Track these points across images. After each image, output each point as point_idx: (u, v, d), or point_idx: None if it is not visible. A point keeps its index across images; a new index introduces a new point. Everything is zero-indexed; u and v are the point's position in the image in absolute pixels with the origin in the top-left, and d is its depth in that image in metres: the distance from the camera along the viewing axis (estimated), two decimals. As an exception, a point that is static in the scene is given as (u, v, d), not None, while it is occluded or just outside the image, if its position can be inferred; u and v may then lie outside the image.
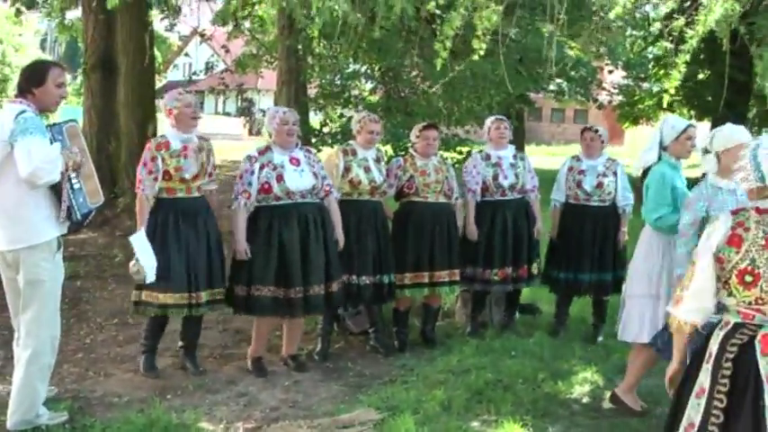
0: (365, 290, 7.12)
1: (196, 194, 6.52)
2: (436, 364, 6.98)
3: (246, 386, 6.43)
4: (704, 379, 3.55)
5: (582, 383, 6.72)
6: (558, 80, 20.38)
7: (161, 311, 6.43)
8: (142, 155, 6.46)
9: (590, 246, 7.91)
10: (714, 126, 28.76)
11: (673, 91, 7.72)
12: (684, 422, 3.59)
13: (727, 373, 3.47)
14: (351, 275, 7.02)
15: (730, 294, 3.55)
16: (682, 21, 7.00)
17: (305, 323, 7.28)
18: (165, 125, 6.78)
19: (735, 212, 3.60)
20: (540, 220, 8.05)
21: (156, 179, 6.34)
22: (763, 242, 3.46)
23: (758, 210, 3.54)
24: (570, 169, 8.05)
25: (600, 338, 7.95)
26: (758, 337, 3.45)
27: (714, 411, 3.47)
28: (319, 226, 6.65)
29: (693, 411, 3.56)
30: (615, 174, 8.00)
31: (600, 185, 7.90)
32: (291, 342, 7.00)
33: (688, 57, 6.83)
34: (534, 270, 8.05)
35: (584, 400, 6.43)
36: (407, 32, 10.97)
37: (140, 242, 6.16)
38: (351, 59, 13.48)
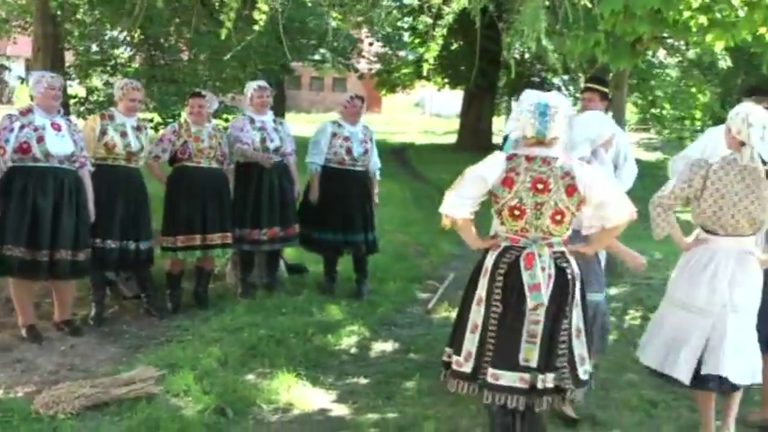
0: (110, 254, 7.12)
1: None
2: (211, 323, 7.22)
3: (22, 352, 6.40)
4: (481, 290, 4.40)
5: (349, 335, 7.18)
6: (321, 50, 20.79)
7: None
8: None
9: (354, 208, 8.35)
10: (467, 92, 30.06)
11: (431, 61, 8.21)
12: (470, 324, 4.43)
13: (500, 285, 4.33)
14: (95, 239, 7.01)
15: (502, 224, 4.38)
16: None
17: (77, 289, 7.29)
18: None
19: (509, 158, 4.35)
20: (297, 182, 8.39)
21: None
22: (530, 185, 4.26)
23: (527, 158, 4.32)
24: (335, 135, 8.38)
25: (365, 294, 8.42)
26: (522, 256, 4.30)
27: (492, 315, 4.32)
28: (74, 193, 6.63)
29: (476, 315, 4.41)
30: (371, 140, 8.53)
31: (366, 152, 8.39)
32: (62, 307, 6.99)
33: (445, 30, 7.31)
34: (298, 230, 8.39)
35: (353, 350, 6.90)
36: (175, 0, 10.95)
37: None
38: (110, 26, 13.25)
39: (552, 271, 4.30)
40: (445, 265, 10.40)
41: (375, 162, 8.58)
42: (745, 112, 4.87)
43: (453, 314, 7.92)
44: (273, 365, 6.22)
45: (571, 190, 4.27)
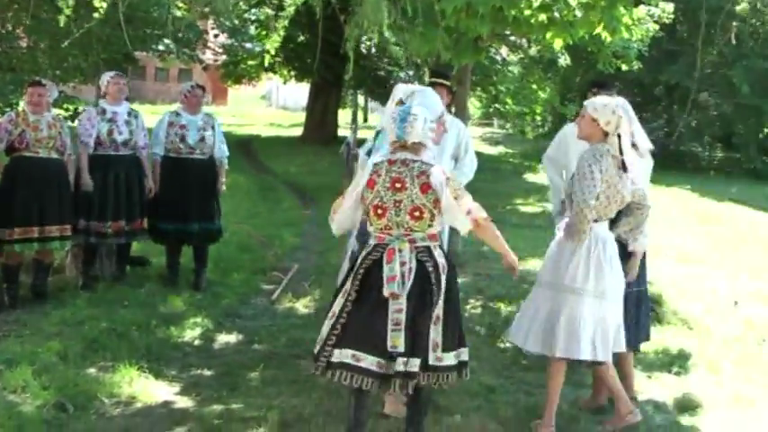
0: None
1: None
2: (50, 317, 7.05)
3: None
4: (347, 283, 4.71)
5: (193, 328, 7.15)
6: (166, 41, 20.48)
7: None
8: None
9: (195, 197, 8.29)
10: (313, 85, 30.11)
11: (273, 52, 8.23)
12: (330, 314, 4.70)
13: (360, 276, 4.62)
14: None
15: (371, 224, 4.69)
16: (282, -10, 7.52)
17: None
18: None
19: (376, 164, 4.67)
20: (150, 176, 8.29)
21: None
22: (389, 184, 4.55)
23: (390, 161, 4.63)
24: (171, 124, 8.33)
25: (203, 285, 8.40)
26: (385, 251, 4.57)
27: (347, 303, 4.62)
28: None
29: (336, 305, 4.70)
30: (213, 128, 8.47)
31: (202, 139, 8.32)
32: None
33: (287, 22, 7.35)
34: (146, 224, 8.31)
35: (196, 342, 6.88)
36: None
37: None
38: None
39: (413, 264, 4.55)
40: (289, 256, 10.44)
41: (221, 150, 8.53)
42: (614, 103, 5.17)
43: (297, 305, 8.12)
44: (115, 359, 6.14)
45: (426, 187, 4.53)
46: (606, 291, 5.16)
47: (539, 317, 5.28)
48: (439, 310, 4.58)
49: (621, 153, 5.11)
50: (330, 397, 5.62)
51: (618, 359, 5.55)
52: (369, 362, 4.49)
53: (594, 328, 5.15)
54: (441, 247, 4.75)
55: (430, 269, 4.58)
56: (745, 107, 26.51)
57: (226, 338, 7.05)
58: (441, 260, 4.64)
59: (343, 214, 4.81)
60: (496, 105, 25.88)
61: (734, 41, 22.77)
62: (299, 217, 13.39)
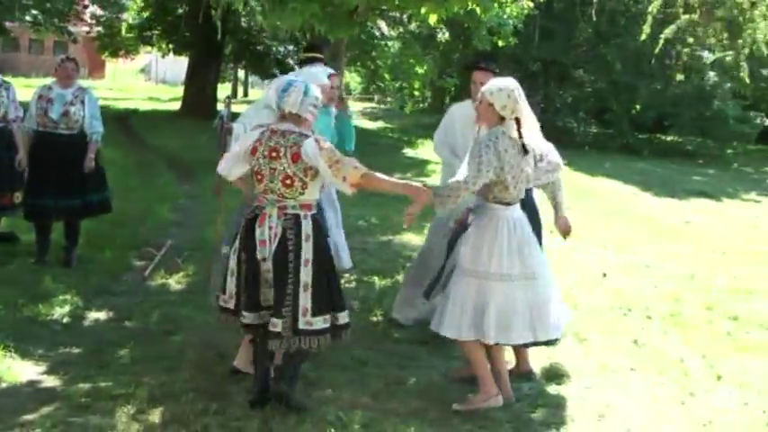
0: None
1: None
2: None
3: None
4: (236, 242, 5.03)
5: (62, 305, 6.99)
6: (34, 11, 19.88)
7: None
8: None
9: (62, 172, 8.08)
10: (191, 59, 29.81)
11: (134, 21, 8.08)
12: (229, 270, 5.06)
13: (242, 237, 4.96)
14: None
15: (255, 188, 4.98)
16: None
17: None
18: None
19: (261, 131, 4.94)
20: (22, 150, 8.07)
21: None
22: (267, 153, 4.83)
23: (272, 130, 4.91)
24: (40, 97, 8.12)
25: (73, 262, 8.23)
26: (260, 215, 4.87)
27: (239, 263, 4.96)
28: None
29: (232, 263, 5.05)
30: (83, 102, 8.24)
31: (66, 114, 8.09)
32: None
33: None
34: (17, 199, 8.09)
35: (65, 320, 6.73)
36: None
37: None
38: None
39: (278, 230, 4.83)
40: (164, 232, 10.28)
41: (92, 126, 8.26)
42: (510, 87, 5.23)
43: (170, 281, 8.02)
44: (-22, 341, 5.97)
45: (296, 157, 4.79)
46: (535, 271, 5.31)
47: (467, 306, 5.30)
48: (306, 277, 4.83)
49: (521, 136, 5.20)
50: (201, 373, 5.60)
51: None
52: (251, 318, 4.96)
53: (529, 310, 5.26)
54: (316, 216, 4.97)
55: (291, 237, 4.83)
56: (618, 84, 27.23)
57: (96, 316, 6.92)
58: (307, 229, 4.86)
59: (230, 158, 5.09)
60: (377, 82, 25.98)
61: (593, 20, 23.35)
62: (175, 192, 13.19)
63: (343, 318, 5.03)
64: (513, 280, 5.25)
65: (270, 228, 4.83)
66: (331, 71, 6.38)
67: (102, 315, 6.95)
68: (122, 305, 7.20)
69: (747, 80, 21.65)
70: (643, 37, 17.35)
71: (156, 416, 4.94)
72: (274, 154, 4.82)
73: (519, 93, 5.26)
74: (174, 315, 6.88)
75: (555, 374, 6.08)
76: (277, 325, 4.82)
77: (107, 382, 5.44)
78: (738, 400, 5.81)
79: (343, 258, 6.78)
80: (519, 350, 5.98)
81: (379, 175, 5.00)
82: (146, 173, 14.32)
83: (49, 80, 8.57)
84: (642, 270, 9.77)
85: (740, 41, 16.89)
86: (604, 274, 9.27)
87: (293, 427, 4.84)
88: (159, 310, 7.03)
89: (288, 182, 4.82)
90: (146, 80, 53.66)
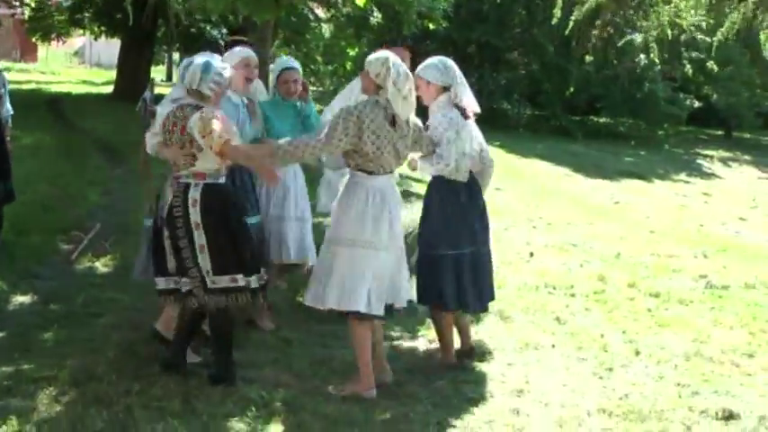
0: None
1: None
2: None
3: None
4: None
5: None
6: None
7: None
8: None
9: None
10: (123, 42, 29.33)
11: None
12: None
13: (160, 208, 5.32)
14: None
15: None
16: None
17: None
18: None
19: (173, 107, 5.14)
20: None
21: None
22: (170, 126, 5.11)
23: (180, 106, 5.12)
24: None
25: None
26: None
27: (165, 237, 5.24)
28: None
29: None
30: (3, 86, 8.14)
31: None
32: None
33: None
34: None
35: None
36: None
37: None
38: None
39: (170, 198, 5.16)
40: (92, 215, 10.17)
41: (7, 109, 8.22)
42: (385, 56, 5.27)
43: (97, 264, 7.99)
44: None
45: (182, 130, 5.07)
46: (387, 244, 5.28)
47: (319, 274, 5.36)
48: (200, 239, 5.10)
49: (392, 107, 5.22)
50: (124, 355, 5.62)
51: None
52: (162, 282, 5.33)
53: (372, 280, 5.22)
54: (214, 184, 5.16)
55: (177, 204, 5.11)
56: (550, 66, 27.44)
57: (20, 299, 6.88)
58: (194, 195, 5.09)
59: (151, 135, 5.42)
60: (309, 65, 25.89)
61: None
62: (105, 176, 13.05)
63: (255, 281, 5.28)
64: (360, 246, 5.21)
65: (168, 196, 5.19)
66: (251, 52, 6.31)
67: (26, 299, 6.91)
68: (48, 288, 7.16)
69: (657, 60, 22.44)
70: (554, 21, 17.45)
71: (78, 397, 4.94)
72: (174, 127, 5.10)
73: (393, 63, 5.21)
74: (100, 297, 6.88)
75: (477, 352, 6.16)
76: (187, 284, 5.18)
77: (30, 365, 5.43)
78: (655, 374, 5.98)
79: (288, 251, 6.56)
80: (461, 327, 6.08)
81: (239, 146, 5.17)
82: (76, 157, 14.13)
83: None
84: (569, 249, 9.95)
85: (647, 23, 17.17)
86: (531, 254, 9.42)
87: (215, 406, 4.90)
88: (85, 293, 7.01)
89: (179, 152, 5.10)
90: (80, 63, 52.78)
